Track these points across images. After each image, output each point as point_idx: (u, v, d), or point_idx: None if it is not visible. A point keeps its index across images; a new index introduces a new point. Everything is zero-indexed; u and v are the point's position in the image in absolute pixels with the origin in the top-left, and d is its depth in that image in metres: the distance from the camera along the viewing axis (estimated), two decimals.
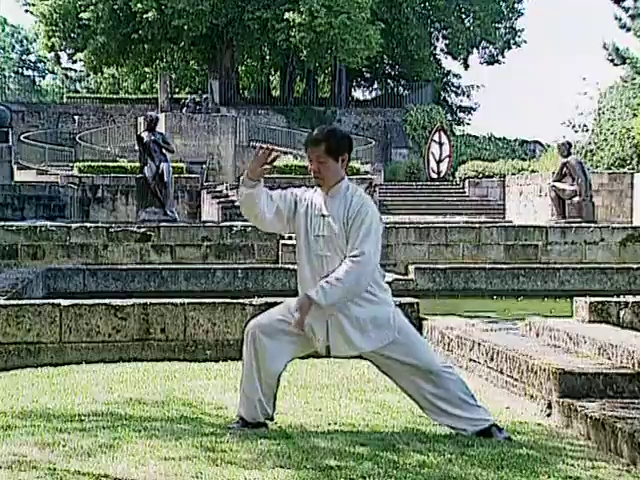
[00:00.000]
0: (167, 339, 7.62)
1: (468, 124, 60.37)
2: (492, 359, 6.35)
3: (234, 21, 46.56)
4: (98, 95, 58.76)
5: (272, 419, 4.88)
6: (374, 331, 4.73)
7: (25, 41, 78.18)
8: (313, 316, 4.70)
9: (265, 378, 4.79)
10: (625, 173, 28.44)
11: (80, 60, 52.53)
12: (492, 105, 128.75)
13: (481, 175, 37.12)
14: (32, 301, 8.05)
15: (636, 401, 5.13)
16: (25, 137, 41.49)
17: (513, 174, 35.18)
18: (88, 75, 66.55)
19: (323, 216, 4.75)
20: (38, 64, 78.45)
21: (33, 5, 49.13)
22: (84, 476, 3.78)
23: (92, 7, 46.19)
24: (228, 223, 18.33)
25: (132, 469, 3.91)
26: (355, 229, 4.67)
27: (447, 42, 55.43)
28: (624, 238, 18.01)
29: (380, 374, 6.62)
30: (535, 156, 43.78)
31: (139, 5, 44.71)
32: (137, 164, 21.88)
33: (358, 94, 60.76)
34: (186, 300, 7.81)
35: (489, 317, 11.28)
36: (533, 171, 34.29)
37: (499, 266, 15.77)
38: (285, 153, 39.95)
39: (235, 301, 7.83)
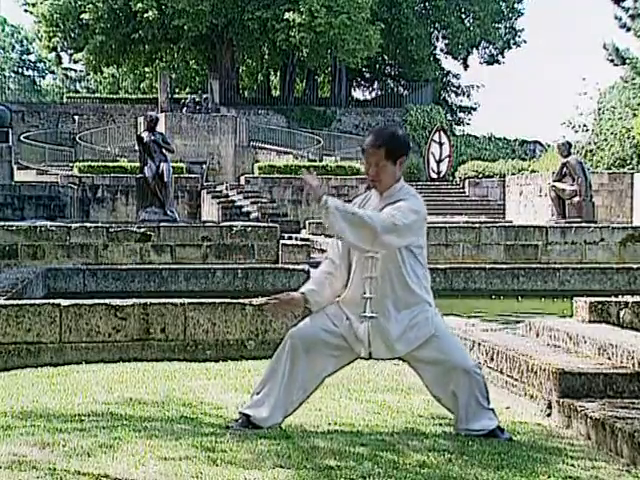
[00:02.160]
0: (167, 339, 7.62)
1: (468, 124, 60.47)
2: (492, 359, 6.34)
3: (234, 21, 46.55)
4: (98, 95, 58.81)
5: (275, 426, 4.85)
6: (412, 331, 4.71)
7: (25, 41, 78.19)
8: (356, 318, 4.70)
9: (295, 390, 4.76)
10: (625, 173, 28.46)
11: (80, 61, 52.53)
12: (492, 105, 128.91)
13: (481, 175, 37.14)
14: (32, 301, 8.03)
15: (636, 401, 5.12)
16: (25, 137, 41.50)
17: (513, 174, 35.19)
18: (88, 75, 66.56)
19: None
20: (38, 64, 78.47)
21: (33, 6, 49.12)
22: (84, 476, 3.78)
23: (92, 7, 46.19)
24: (228, 223, 18.32)
25: (132, 469, 3.91)
26: (396, 204, 4.65)
27: (447, 42, 55.44)
28: (624, 238, 18.02)
29: (380, 374, 6.64)
30: (535, 156, 43.78)
31: (139, 5, 44.71)
32: (137, 164, 21.88)
33: (358, 94, 60.84)
34: (186, 300, 7.80)
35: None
36: (533, 171, 34.30)
37: (499, 266, 15.77)
38: (285, 153, 40.01)
39: (235, 301, 7.82)
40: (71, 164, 35.52)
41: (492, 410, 4.84)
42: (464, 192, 36.10)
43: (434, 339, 4.73)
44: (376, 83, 60.57)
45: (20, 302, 7.85)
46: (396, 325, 4.70)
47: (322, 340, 4.76)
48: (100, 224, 17.31)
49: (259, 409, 4.78)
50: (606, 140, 32.03)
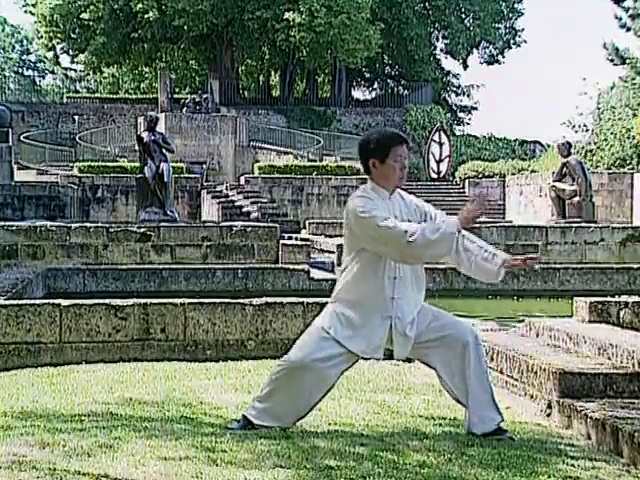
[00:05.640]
0: (167, 339, 7.62)
1: (468, 124, 60.43)
2: (492, 359, 6.34)
3: (234, 21, 46.54)
4: (98, 95, 58.74)
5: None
6: (417, 317, 4.81)
7: (25, 41, 78.11)
8: (379, 319, 4.73)
9: (300, 402, 4.77)
10: (625, 173, 28.47)
11: (80, 61, 52.49)
12: (492, 105, 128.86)
13: (481, 175, 37.14)
14: (32, 301, 8.03)
15: (636, 401, 5.12)
16: (25, 137, 41.47)
17: (513, 174, 35.21)
18: (88, 74, 66.53)
19: (395, 217, 4.78)
20: (38, 64, 78.42)
21: (34, 6, 49.09)
22: (84, 476, 3.78)
23: (92, 7, 46.18)
24: (228, 223, 18.31)
25: (132, 469, 3.91)
26: (428, 209, 5.09)
27: (447, 42, 55.41)
28: (624, 238, 18.01)
29: (380, 374, 6.63)
30: (535, 156, 43.78)
31: (139, 5, 44.69)
32: (137, 164, 21.88)
33: (358, 94, 60.80)
34: (186, 300, 7.80)
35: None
36: (533, 171, 34.32)
37: None
38: (285, 153, 40.01)
39: (235, 301, 7.82)
40: (71, 164, 35.53)
41: (495, 405, 4.84)
42: (464, 192, 36.07)
43: (433, 322, 4.83)
44: (376, 83, 60.54)
45: (20, 302, 7.85)
46: (413, 317, 4.78)
47: (322, 358, 4.71)
48: (100, 224, 17.30)
49: (262, 416, 4.77)
50: (606, 140, 32.03)
